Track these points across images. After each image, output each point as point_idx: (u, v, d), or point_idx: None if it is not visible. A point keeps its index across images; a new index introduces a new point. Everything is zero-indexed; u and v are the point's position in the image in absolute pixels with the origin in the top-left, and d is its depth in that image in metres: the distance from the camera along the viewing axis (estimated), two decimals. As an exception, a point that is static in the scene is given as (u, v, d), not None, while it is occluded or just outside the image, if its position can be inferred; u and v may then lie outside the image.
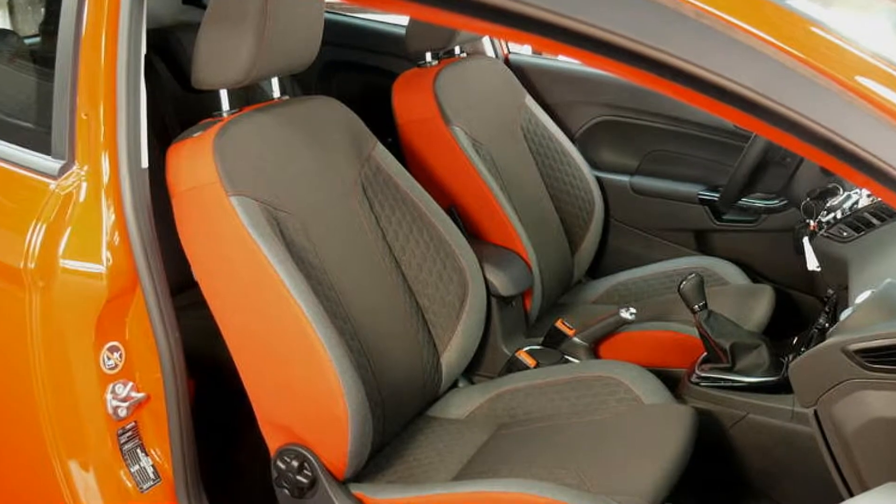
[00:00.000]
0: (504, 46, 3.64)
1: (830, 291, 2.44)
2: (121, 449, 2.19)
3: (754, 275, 3.26)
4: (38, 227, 2.10)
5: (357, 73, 3.91)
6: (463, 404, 2.56)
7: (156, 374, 2.17)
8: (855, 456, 1.72)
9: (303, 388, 2.09)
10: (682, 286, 2.40)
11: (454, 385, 2.68)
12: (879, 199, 2.21)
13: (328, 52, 2.92)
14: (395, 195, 2.51)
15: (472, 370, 2.85)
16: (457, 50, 3.36)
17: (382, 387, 2.28)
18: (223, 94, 2.29)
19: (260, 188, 2.18)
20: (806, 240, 2.54)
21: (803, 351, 2.05)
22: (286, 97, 2.50)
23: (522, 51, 3.71)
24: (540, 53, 3.70)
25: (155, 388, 2.19)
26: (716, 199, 3.23)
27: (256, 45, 2.16)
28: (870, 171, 1.07)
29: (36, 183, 2.15)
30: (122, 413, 2.16)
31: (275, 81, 2.48)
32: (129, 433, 2.20)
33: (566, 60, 3.55)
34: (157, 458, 2.23)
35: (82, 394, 2.13)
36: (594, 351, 2.82)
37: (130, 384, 2.17)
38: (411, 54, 3.20)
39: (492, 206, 2.98)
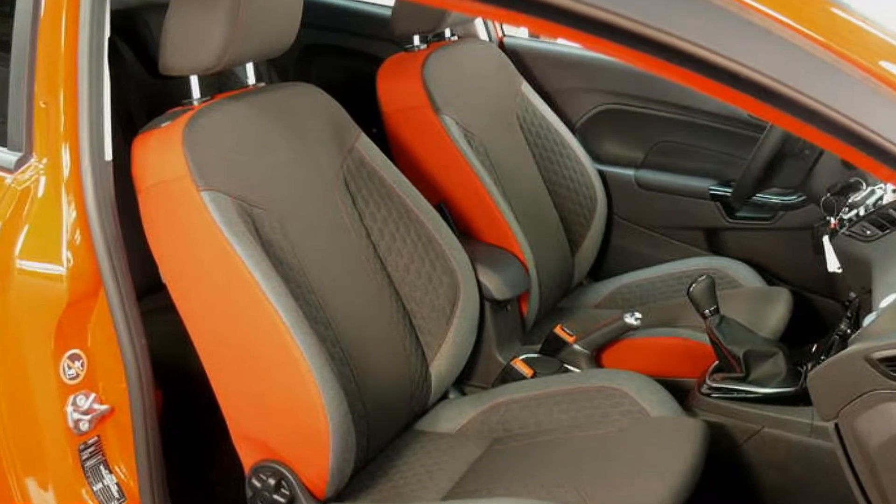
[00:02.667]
0: (498, 29, 3.64)
1: (852, 295, 2.44)
2: (82, 465, 2.18)
3: (770, 277, 3.27)
4: (-8, 224, 2.10)
5: (339, 58, 3.91)
6: (454, 417, 2.56)
7: (120, 385, 2.17)
8: (879, 473, 1.72)
9: (280, 400, 2.09)
10: (691, 289, 2.40)
11: (444, 396, 2.67)
12: (905, 194, 2.22)
13: (308, 35, 2.92)
14: (381, 190, 2.51)
15: (464, 380, 2.85)
16: (447, 33, 3.36)
17: (366, 398, 2.28)
18: (194, 80, 2.29)
19: (233, 183, 2.18)
20: (826, 239, 2.54)
21: (823, 359, 2.05)
22: (262, 84, 2.49)
23: (518, 34, 3.72)
24: (537, 36, 3.71)
25: (119, 400, 2.18)
26: (728, 194, 3.23)
27: (230, 27, 2.15)
28: None
29: (-10, 177, 2.15)
30: (84, 427, 2.16)
31: (249, 67, 2.47)
32: (92, 448, 2.20)
33: (566, 44, 3.55)
34: (122, 476, 2.23)
35: (41, 406, 2.12)
36: (596, 359, 2.82)
37: (93, 395, 2.17)
38: (398, 37, 3.20)
39: (485, 202, 2.98)
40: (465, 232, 3.03)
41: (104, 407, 2.18)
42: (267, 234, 2.21)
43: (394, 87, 3.09)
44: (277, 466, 2.14)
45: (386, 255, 2.48)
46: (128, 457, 2.21)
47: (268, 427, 2.14)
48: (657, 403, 2.39)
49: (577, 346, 2.79)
